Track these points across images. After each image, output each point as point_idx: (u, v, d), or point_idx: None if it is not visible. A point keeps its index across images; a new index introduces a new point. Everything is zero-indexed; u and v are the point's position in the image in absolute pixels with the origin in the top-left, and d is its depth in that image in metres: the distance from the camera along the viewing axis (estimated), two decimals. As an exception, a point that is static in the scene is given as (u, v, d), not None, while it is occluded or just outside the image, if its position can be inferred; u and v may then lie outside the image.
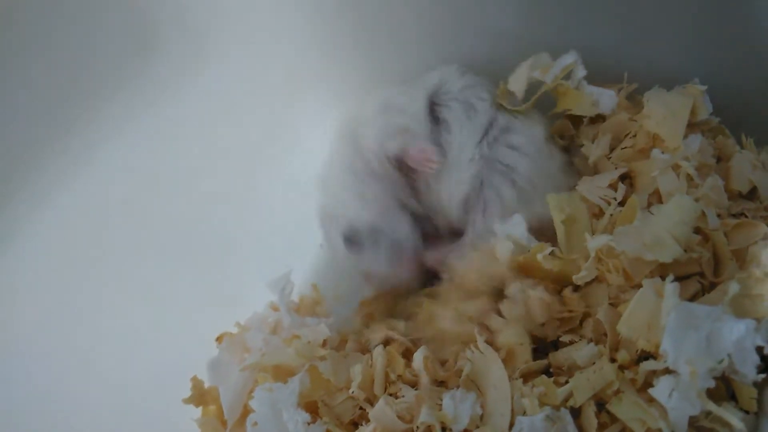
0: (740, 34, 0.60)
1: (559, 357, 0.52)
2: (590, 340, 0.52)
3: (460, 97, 0.59)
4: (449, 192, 0.58)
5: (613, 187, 0.56)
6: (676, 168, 0.55)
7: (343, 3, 0.65)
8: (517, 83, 0.60)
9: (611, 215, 0.54)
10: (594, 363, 0.49)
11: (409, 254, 0.59)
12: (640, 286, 0.49)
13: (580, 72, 0.58)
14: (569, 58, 0.57)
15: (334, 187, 0.61)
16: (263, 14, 0.65)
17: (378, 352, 0.53)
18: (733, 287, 0.44)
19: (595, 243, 0.51)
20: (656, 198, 0.55)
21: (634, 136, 0.60)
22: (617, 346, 0.50)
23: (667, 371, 0.45)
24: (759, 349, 0.43)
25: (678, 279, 0.48)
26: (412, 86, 0.61)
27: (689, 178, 0.54)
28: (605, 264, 0.52)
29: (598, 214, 0.56)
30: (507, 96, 0.60)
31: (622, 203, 0.56)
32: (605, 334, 0.51)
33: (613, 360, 0.49)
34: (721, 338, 0.42)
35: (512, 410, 0.48)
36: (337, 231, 0.61)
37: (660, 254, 0.48)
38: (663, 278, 0.48)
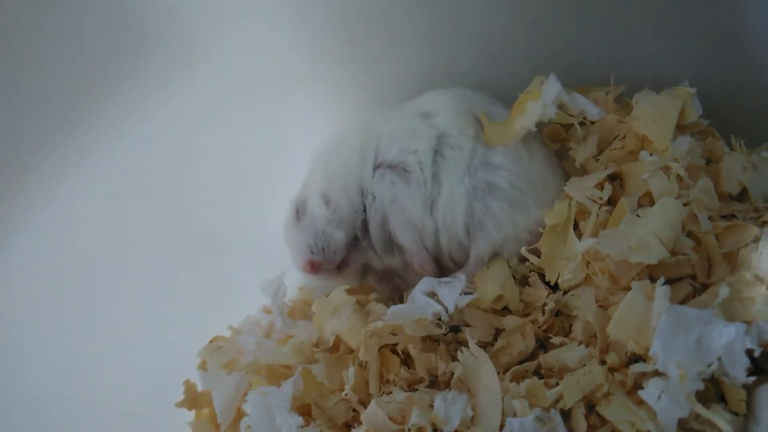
0: (731, 38, 0.61)
1: (549, 359, 0.52)
2: (580, 342, 0.52)
3: (453, 142, 0.59)
4: (448, 230, 0.58)
5: (599, 186, 0.56)
6: (666, 170, 0.55)
7: (335, 5, 0.65)
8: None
9: (597, 215, 0.54)
10: (584, 365, 0.50)
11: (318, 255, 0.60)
12: (628, 288, 0.49)
13: (564, 97, 0.57)
14: (553, 90, 0.56)
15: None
16: (254, 14, 0.65)
17: (372, 354, 0.53)
18: (724, 290, 0.45)
19: (580, 246, 0.51)
20: (647, 200, 0.55)
21: (623, 137, 0.60)
22: (607, 348, 0.50)
23: (657, 373, 0.45)
24: (749, 352, 0.43)
25: (669, 281, 0.48)
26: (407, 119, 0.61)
27: (679, 179, 0.54)
28: (591, 267, 0.52)
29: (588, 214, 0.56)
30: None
31: (611, 203, 0.56)
32: (595, 336, 0.51)
33: (602, 362, 0.50)
34: (711, 342, 0.43)
35: (503, 412, 0.48)
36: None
37: (645, 256, 0.48)
38: (654, 280, 0.48)
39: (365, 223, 0.60)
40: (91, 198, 0.60)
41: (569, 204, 0.55)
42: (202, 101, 0.66)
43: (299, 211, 0.62)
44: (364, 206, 0.60)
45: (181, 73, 0.64)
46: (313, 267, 0.60)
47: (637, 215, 0.51)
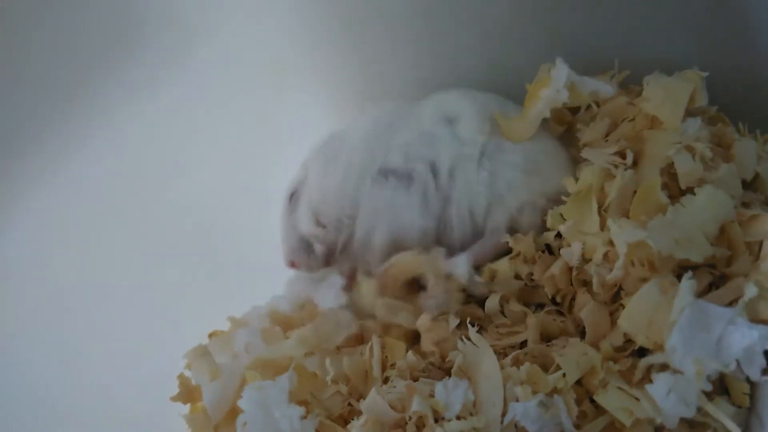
0: (736, 26, 0.60)
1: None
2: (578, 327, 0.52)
3: (469, 141, 0.58)
4: (462, 220, 0.58)
5: (620, 154, 0.55)
6: (689, 149, 0.53)
7: None
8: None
9: (623, 177, 0.52)
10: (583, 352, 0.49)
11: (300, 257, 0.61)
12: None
13: (575, 78, 0.56)
14: (562, 74, 0.55)
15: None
16: (253, 5, 0.63)
17: (375, 340, 0.52)
18: (751, 290, 0.43)
19: (628, 237, 0.48)
20: (666, 174, 0.53)
21: (633, 119, 0.59)
22: (598, 341, 0.50)
23: (664, 368, 0.45)
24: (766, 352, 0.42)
25: (689, 268, 0.47)
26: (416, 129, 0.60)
27: (704, 160, 0.52)
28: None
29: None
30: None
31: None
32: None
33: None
34: (732, 342, 0.42)
35: (505, 398, 0.47)
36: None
37: (691, 253, 0.46)
38: (677, 271, 0.47)
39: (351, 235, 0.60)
40: (82, 194, 0.59)
41: (593, 169, 0.54)
42: (197, 95, 0.64)
43: (293, 200, 0.62)
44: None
45: (175, 65, 0.62)
46: (294, 266, 0.61)
47: (682, 205, 0.49)
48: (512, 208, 0.57)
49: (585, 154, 0.55)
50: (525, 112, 0.58)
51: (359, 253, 0.59)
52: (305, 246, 0.60)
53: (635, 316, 0.46)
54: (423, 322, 0.53)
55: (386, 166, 0.58)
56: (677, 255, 0.46)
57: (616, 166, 0.53)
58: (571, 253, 0.52)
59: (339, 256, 0.61)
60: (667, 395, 0.43)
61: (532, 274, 0.55)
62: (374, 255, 0.58)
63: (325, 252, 0.60)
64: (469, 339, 0.50)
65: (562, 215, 0.54)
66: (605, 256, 0.51)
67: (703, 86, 0.58)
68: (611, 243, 0.50)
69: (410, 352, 0.51)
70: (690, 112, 0.57)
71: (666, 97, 0.56)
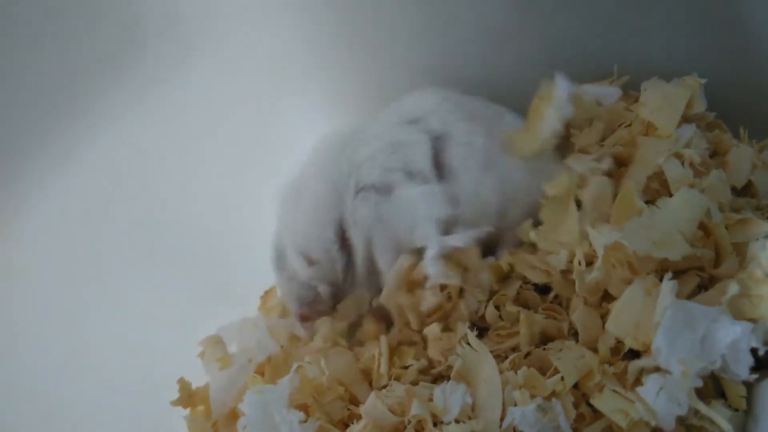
0: (735, 33, 0.60)
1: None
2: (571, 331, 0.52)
3: (463, 141, 0.59)
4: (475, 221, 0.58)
5: (599, 160, 0.56)
6: (678, 156, 0.53)
7: (331, 2, 0.64)
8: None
9: (597, 184, 0.53)
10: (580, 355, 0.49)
11: (308, 305, 0.61)
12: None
13: (576, 90, 0.57)
14: (564, 91, 0.56)
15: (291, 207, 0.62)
16: (251, 11, 0.64)
17: (382, 342, 0.53)
18: (733, 288, 0.44)
19: (605, 239, 0.48)
20: (657, 181, 0.54)
21: (629, 125, 0.60)
22: (593, 344, 0.50)
23: (656, 369, 0.45)
24: (753, 350, 0.42)
25: (677, 272, 0.47)
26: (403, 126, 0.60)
27: (693, 166, 0.53)
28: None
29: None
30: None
31: (610, 175, 0.55)
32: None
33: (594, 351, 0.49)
34: (716, 340, 0.42)
35: (503, 402, 0.48)
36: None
37: (669, 252, 0.47)
38: (662, 273, 0.47)
39: (350, 261, 0.60)
40: (83, 197, 0.59)
41: (570, 175, 0.55)
42: (198, 98, 0.65)
43: (280, 259, 0.62)
44: (346, 245, 0.59)
45: (176, 69, 0.63)
46: (305, 319, 0.61)
47: (657, 206, 0.49)
48: (527, 205, 0.57)
49: (568, 161, 0.56)
50: (530, 128, 0.58)
51: (365, 273, 0.60)
52: (310, 291, 0.60)
53: (622, 319, 0.47)
54: (432, 331, 0.54)
55: (364, 185, 0.59)
56: (655, 255, 0.47)
57: (594, 173, 0.54)
58: (558, 260, 0.53)
59: (346, 286, 0.61)
60: (657, 395, 0.43)
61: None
62: (382, 266, 0.58)
63: (330, 291, 0.60)
64: (468, 344, 0.51)
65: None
66: (590, 260, 0.51)
67: (701, 92, 0.58)
68: (590, 247, 0.51)
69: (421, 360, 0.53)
70: (687, 119, 0.58)
71: (663, 103, 0.57)
